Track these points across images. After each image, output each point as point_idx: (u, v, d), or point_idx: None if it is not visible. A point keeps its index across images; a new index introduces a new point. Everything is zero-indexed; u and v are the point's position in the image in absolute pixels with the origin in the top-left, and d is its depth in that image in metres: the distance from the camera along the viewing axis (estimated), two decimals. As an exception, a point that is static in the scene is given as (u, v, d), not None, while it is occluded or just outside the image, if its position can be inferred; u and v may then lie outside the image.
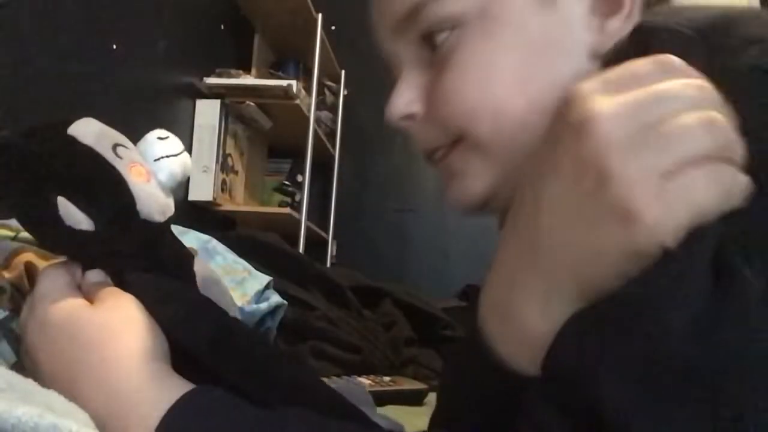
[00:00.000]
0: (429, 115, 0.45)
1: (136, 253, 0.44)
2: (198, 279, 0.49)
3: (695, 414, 0.26)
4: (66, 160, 0.42)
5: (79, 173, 0.42)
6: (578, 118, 0.29)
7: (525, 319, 0.32)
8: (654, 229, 0.27)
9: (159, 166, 0.45)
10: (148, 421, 0.35)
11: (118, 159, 0.43)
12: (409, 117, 0.45)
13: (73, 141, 0.42)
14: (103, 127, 0.45)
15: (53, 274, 0.44)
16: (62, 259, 0.46)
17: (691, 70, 0.30)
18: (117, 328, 0.40)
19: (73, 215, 0.41)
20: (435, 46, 0.43)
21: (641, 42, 0.37)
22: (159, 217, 0.45)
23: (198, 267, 0.50)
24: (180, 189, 1.78)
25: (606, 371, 0.27)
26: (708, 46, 0.34)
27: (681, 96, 0.28)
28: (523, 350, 0.32)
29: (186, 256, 0.49)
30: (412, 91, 0.45)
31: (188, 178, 1.82)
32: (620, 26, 0.41)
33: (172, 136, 0.47)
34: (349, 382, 0.79)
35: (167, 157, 0.46)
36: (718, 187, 0.27)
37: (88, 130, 0.43)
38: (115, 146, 0.44)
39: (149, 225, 0.44)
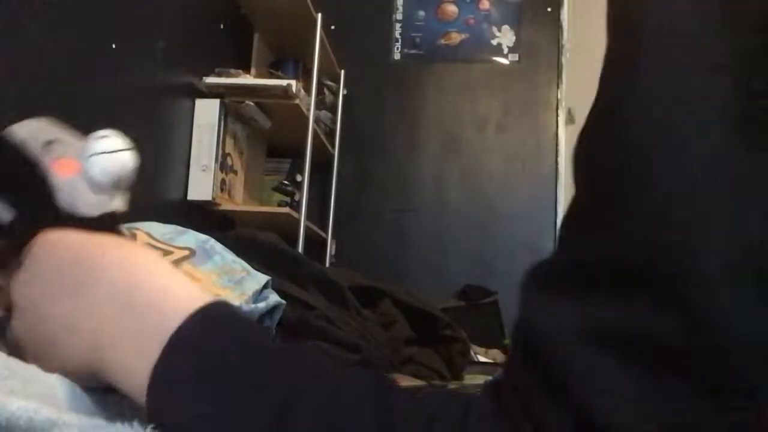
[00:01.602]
0: None
1: None
2: None
3: None
4: None
5: None
6: None
7: None
8: None
9: (92, 162, 0.46)
10: (168, 324, 0.33)
11: (45, 153, 0.45)
12: None
13: (2, 137, 0.46)
14: (41, 126, 0.47)
15: None
16: None
17: None
18: (117, 240, 0.40)
19: None
20: None
21: None
22: (88, 211, 0.46)
23: None
24: (177, 188, 1.78)
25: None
26: None
27: None
28: None
29: None
30: None
31: (187, 177, 1.82)
32: None
33: (114, 134, 0.48)
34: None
35: (102, 153, 0.47)
36: None
37: (22, 128, 0.46)
38: (47, 143, 0.46)
39: (75, 218, 0.45)
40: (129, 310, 0.35)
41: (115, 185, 0.47)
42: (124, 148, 0.48)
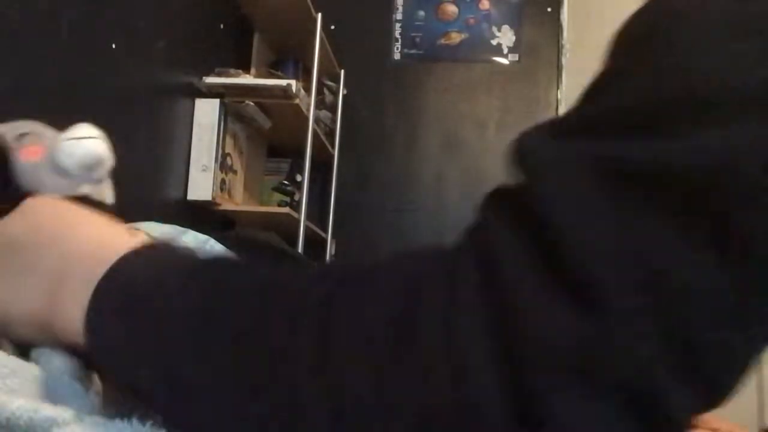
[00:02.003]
0: None
1: None
2: None
3: None
4: None
5: None
6: None
7: None
8: None
9: (58, 147, 0.50)
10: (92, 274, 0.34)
11: (16, 143, 0.50)
12: None
13: None
14: (21, 123, 0.51)
15: None
16: None
17: None
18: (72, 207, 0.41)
19: None
20: None
21: None
22: (49, 192, 0.49)
23: None
24: (177, 188, 1.78)
25: None
26: None
27: None
28: None
29: None
30: None
31: (187, 177, 1.82)
32: None
33: (86, 125, 0.51)
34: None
35: (68, 139, 0.50)
36: None
37: (4, 125, 0.51)
38: (22, 135, 0.50)
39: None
40: (72, 260, 0.36)
41: (83, 170, 0.50)
42: (91, 136, 0.51)
